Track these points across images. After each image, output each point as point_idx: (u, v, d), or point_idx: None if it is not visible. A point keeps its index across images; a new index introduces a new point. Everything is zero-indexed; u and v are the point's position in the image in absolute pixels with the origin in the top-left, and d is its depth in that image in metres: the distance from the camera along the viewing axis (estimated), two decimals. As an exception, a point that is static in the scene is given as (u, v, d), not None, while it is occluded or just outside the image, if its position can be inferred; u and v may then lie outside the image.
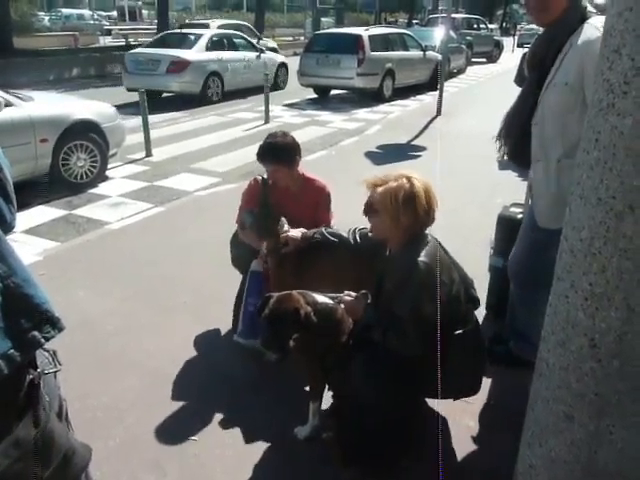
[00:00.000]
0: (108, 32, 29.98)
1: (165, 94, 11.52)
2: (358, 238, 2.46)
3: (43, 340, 1.09)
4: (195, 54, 11.09)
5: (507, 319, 2.73)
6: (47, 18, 32.80)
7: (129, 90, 10.64)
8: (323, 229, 2.58)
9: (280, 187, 2.81)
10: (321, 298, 2.11)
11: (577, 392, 1.33)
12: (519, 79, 2.72)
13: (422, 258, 1.91)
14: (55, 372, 1.19)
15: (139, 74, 11.00)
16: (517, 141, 2.30)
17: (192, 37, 11.74)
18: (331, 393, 2.27)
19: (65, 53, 18.12)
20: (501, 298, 2.93)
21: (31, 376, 1.08)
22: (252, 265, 2.81)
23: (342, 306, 2.11)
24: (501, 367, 2.56)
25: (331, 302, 2.11)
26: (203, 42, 11.45)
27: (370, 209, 2.04)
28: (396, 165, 6.31)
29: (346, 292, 2.12)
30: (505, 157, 2.41)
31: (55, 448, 1.14)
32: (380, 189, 1.97)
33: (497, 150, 2.42)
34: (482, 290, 2.79)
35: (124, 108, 8.34)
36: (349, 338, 2.12)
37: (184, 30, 13.00)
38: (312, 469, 2.10)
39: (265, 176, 2.85)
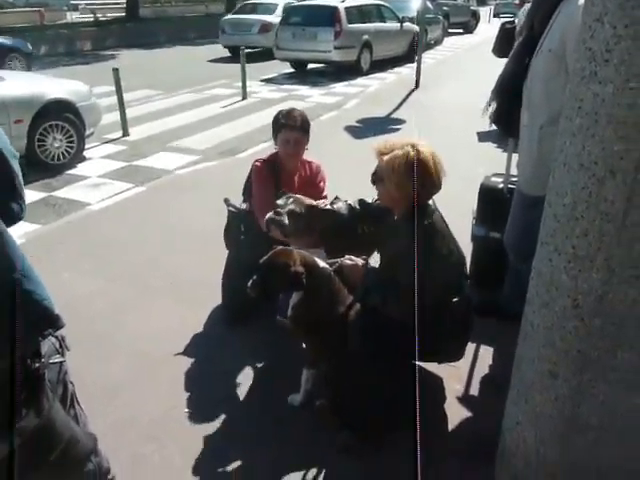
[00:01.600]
0: (75, 7, 28.97)
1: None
2: (357, 205, 2.53)
3: (40, 338, 1.11)
4: (275, 18, 13.98)
5: (507, 288, 2.76)
6: (10, -7, 31.55)
7: (225, 47, 14.92)
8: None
9: (284, 170, 2.79)
10: (321, 263, 2.14)
11: (561, 350, 1.40)
12: (498, 50, 2.73)
13: (424, 230, 1.94)
14: (60, 362, 1.21)
15: (235, 34, 14.34)
16: (503, 104, 2.34)
17: (271, 6, 15.06)
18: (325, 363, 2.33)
19: (31, 30, 17.51)
20: (484, 266, 3.01)
21: (36, 365, 1.10)
22: None
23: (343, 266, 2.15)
24: (488, 332, 2.63)
25: (329, 268, 2.14)
26: (279, 10, 14.53)
27: (377, 177, 2.06)
28: (376, 138, 6.32)
29: (347, 256, 2.16)
30: (489, 119, 2.44)
31: (56, 437, 1.17)
32: (386, 157, 1.99)
33: (483, 111, 2.44)
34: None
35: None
36: (347, 310, 2.16)
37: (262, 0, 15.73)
38: (306, 435, 2.16)
39: (265, 158, 2.81)
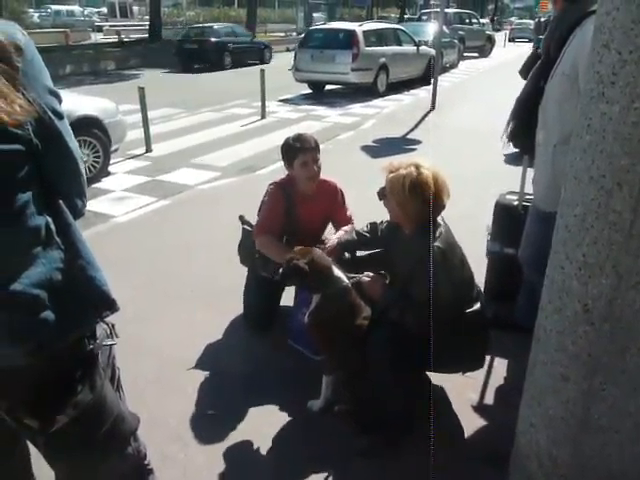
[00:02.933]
0: (99, 29, 29.86)
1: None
2: (368, 228, 2.59)
3: (98, 319, 1.22)
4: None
5: (521, 301, 2.83)
6: (36, 15, 32.60)
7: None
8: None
9: (300, 194, 2.80)
10: (337, 272, 2.24)
11: (572, 354, 1.48)
12: (525, 72, 2.84)
13: (437, 243, 2.02)
14: (112, 345, 1.32)
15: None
16: (520, 122, 2.45)
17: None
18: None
19: (57, 50, 18.06)
20: (498, 281, 3.09)
21: (91, 346, 1.21)
22: None
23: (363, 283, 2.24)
24: (503, 344, 2.70)
25: (346, 280, 2.24)
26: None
27: (382, 194, 2.16)
28: (392, 158, 6.44)
29: (365, 273, 2.25)
30: (506, 138, 2.55)
31: (107, 412, 1.28)
32: (390, 175, 2.10)
33: (503, 133, 2.55)
34: (480, 274, 2.94)
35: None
36: (364, 321, 2.24)
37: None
38: (325, 440, 2.24)
39: (278, 181, 2.84)
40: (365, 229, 2.61)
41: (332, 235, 2.80)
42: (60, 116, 1.10)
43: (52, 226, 1.09)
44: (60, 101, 1.11)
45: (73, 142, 1.14)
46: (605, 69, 1.24)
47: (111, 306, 1.21)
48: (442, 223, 2.15)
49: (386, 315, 2.17)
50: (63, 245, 1.11)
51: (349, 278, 2.26)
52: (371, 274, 2.24)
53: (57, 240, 1.10)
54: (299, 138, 2.73)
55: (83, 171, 1.20)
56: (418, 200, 2.04)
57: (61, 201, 1.15)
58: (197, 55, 17.59)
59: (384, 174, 2.16)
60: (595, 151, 1.29)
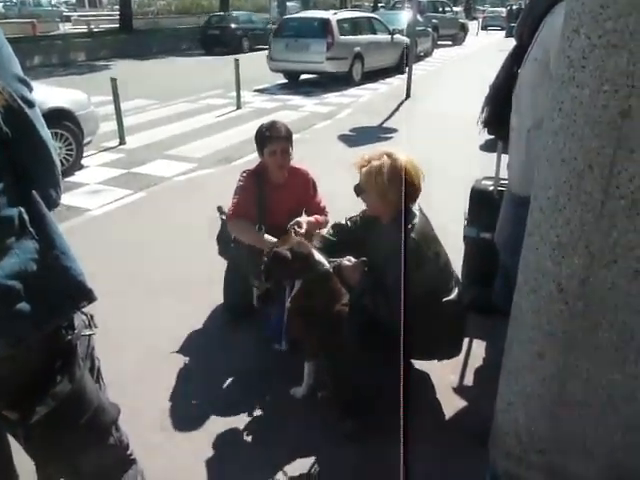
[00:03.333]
0: (67, 19, 29.15)
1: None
2: (334, 235, 2.55)
3: (75, 309, 1.21)
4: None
5: (498, 285, 2.87)
6: (1, 4, 31.68)
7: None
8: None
9: (271, 181, 2.83)
10: (318, 256, 2.26)
11: (547, 332, 1.52)
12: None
13: (412, 234, 2.04)
14: (90, 335, 1.31)
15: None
16: (494, 109, 2.49)
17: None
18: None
19: (24, 41, 17.57)
20: (475, 265, 3.14)
21: (69, 337, 1.21)
22: None
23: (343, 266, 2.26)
24: (481, 327, 2.76)
25: (327, 265, 2.26)
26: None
27: (359, 189, 2.17)
28: (369, 147, 6.49)
29: (347, 257, 2.27)
30: (481, 124, 2.58)
31: (86, 403, 1.27)
32: (364, 169, 2.10)
33: (479, 118, 2.58)
34: (458, 260, 3.00)
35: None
36: (344, 307, 2.27)
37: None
38: (310, 425, 2.27)
39: (252, 170, 2.86)
40: (330, 232, 2.57)
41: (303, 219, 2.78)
42: (30, 104, 1.08)
43: (25, 216, 1.08)
44: (30, 89, 1.09)
45: (45, 131, 1.12)
46: (575, 53, 1.27)
47: (88, 296, 1.20)
48: (418, 213, 2.17)
49: (361, 301, 2.20)
50: (37, 235, 1.09)
51: (330, 262, 2.28)
52: (352, 259, 2.26)
53: (31, 230, 1.08)
54: (271, 126, 2.77)
55: (57, 160, 1.18)
56: (398, 187, 2.06)
57: (35, 191, 1.13)
58: (219, 40, 19.39)
59: (357, 170, 2.17)
60: (566, 134, 1.33)
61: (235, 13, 22.00)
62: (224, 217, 3.06)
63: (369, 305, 2.15)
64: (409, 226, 2.08)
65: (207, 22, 20.66)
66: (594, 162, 1.30)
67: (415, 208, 2.20)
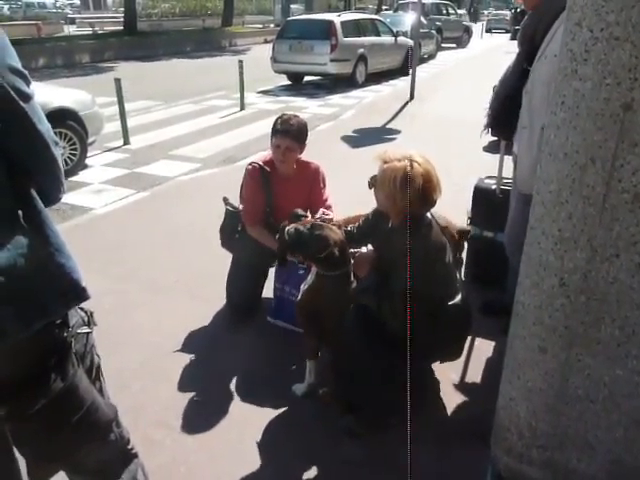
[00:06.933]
0: (72, 21, 29.27)
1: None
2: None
3: (67, 307, 1.20)
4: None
5: (510, 286, 2.86)
6: (6, 7, 31.84)
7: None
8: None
9: (278, 174, 2.84)
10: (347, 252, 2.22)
11: (550, 327, 1.52)
12: None
13: (419, 241, 1.98)
14: (87, 333, 1.29)
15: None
16: (501, 109, 2.49)
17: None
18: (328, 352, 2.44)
19: (29, 43, 17.66)
20: (477, 264, 3.15)
21: (64, 334, 1.19)
22: None
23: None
24: (487, 328, 2.75)
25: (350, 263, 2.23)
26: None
27: (373, 183, 2.11)
28: (373, 147, 6.49)
29: (369, 247, 2.20)
30: (486, 125, 2.58)
31: (78, 401, 1.24)
32: (385, 166, 2.03)
33: (485, 116, 2.58)
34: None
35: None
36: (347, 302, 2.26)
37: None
38: (311, 422, 2.27)
39: (261, 163, 2.86)
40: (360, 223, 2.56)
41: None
42: (26, 96, 1.06)
43: (19, 211, 1.07)
44: (28, 82, 1.08)
45: (43, 124, 1.10)
46: (578, 47, 1.27)
47: (81, 294, 1.18)
48: (430, 218, 2.12)
49: (362, 299, 2.17)
50: (31, 231, 1.08)
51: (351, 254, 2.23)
52: (371, 249, 2.20)
53: (24, 226, 1.07)
54: (286, 121, 2.76)
55: (58, 156, 1.17)
56: (406, 195, 1.98)
57: (32, 187, 1.12)
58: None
59: (377, 162, 2.10)
60: (569, 127, 1.33)
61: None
62: (229, 208, 3.07)
63: (370, 304, 2.14)
64: (420, 234, 2.03)
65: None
66: (596, 155, 1.30)
67: (427, 214, 2.16)
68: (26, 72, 1.08)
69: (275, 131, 2.76)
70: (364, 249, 2.19)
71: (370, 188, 2.16)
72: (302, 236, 2.15)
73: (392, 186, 2.01)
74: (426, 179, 2.00)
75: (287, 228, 2.18)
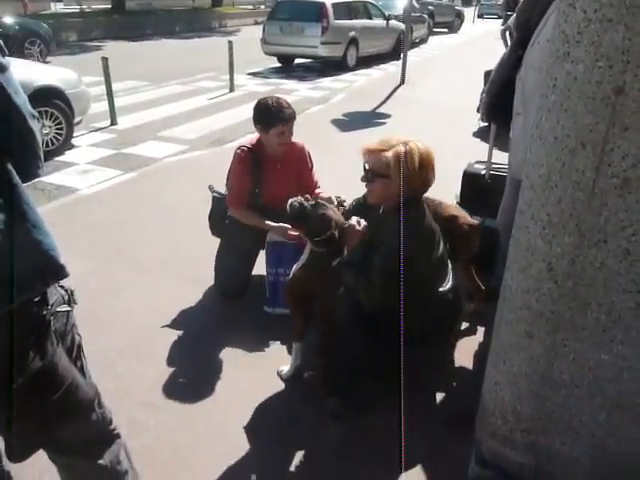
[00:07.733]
0: (59, -2, 28.60)
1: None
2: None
3: (44, 285, 1.17)
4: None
5: (499, 270, 2.87)
6: (-9, -18, 30.99)
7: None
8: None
9: (267, 157, 2.82)
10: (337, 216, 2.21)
11: (536, 311, 1.52)
12: None
13: (411, 225, 1.94)
14: (67, 311, 1.27)
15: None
16: (495, 95, 2.47)
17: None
18: (316, 334, 2.43)
19: (15, 20, 17.27)
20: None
21: (43, 312, 1.17)
22: (268, 236, 2.83)
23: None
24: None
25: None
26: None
27: (373, 174, 2.02)
28: (362, 132, 6.46)
29: (355, 218, 2.14)
30: (480, 112, 2.57)
31: (57, 380, 1.22)
32: (389, 153, 1.97)
33: (479, 105, 2.57)
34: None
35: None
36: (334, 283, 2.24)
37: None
38: (296, 404, 2.27)
39: (250, 146, 2.83)
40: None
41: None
42: (1, 67, 1.03)
43: None
44: (3, 53, 1.04)
45: (19, 96, 1.07)
46: (570, 28, 1.25)
47: (59, 272, 1.16)
48: (423, 203, 2.10)
49: (342, 272, 2.11)
50: (6, 207, 1.05)
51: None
52: (363, 222, 2.12)
53: None
54: (281, 107, 2.72)
55: (35, 129, 1.13)
56: (423, 174, 1.98)
57: (7, 161, 1.08)
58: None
59: (365, 154, 2.03)
60: (560, 110, 1.31)
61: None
62: (216, 195, 3.04)
63: (350, 282, 2.10)
64: (415, 216, 2.01)
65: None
66: (586, 139, 1.28)
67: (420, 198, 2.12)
68: (1, 42, 1.05)
69: (276, 118, 2.68)
70: (354, 221, 2.13)
71: (366, 181, 2.07)
72: (305, 211, 2.14)
73: (412, 168, 1.95)
74: (428, 158, 2.00)
75: (291, 200, 2.17)
